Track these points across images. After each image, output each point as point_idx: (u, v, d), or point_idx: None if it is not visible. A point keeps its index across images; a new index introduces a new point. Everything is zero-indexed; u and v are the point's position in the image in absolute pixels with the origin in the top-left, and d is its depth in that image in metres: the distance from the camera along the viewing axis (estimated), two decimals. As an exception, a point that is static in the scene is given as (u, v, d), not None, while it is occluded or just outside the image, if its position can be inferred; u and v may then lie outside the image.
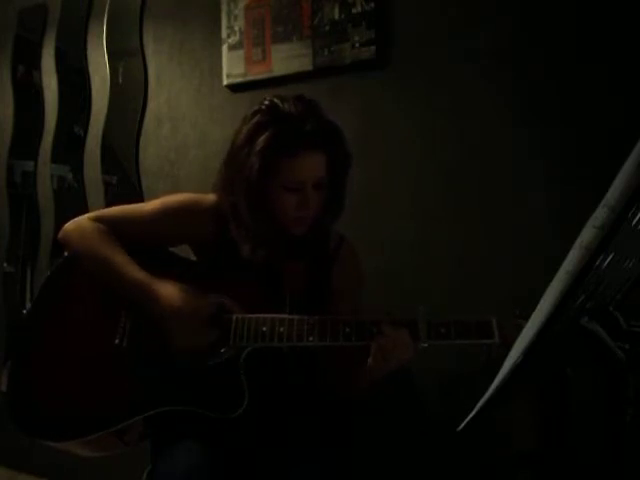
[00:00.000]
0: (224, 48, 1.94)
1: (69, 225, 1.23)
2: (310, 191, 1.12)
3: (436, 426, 1.55)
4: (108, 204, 2.18)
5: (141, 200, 2.07)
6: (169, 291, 1.12)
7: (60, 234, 1.24)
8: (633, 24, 1.39)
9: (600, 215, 0.59)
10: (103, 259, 1.16)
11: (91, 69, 2.28)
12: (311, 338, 1.08)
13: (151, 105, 2.15)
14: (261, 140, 1.07)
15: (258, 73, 1.88)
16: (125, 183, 2.20)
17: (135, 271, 1.15)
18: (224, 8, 1.94)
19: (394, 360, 1.03)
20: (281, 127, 1.07)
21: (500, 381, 0.72)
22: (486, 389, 0.75)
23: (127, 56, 2.20)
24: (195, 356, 1.11)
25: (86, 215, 1.24)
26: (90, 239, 1.19)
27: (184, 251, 1.29)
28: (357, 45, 1.71)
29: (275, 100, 1.11)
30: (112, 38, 2.23)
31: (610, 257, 0.63)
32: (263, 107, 1.11)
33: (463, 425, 0.77)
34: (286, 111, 1.09)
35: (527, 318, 0.72)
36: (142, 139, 2.16)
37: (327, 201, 1.17)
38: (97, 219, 1.22)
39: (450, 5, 1.61)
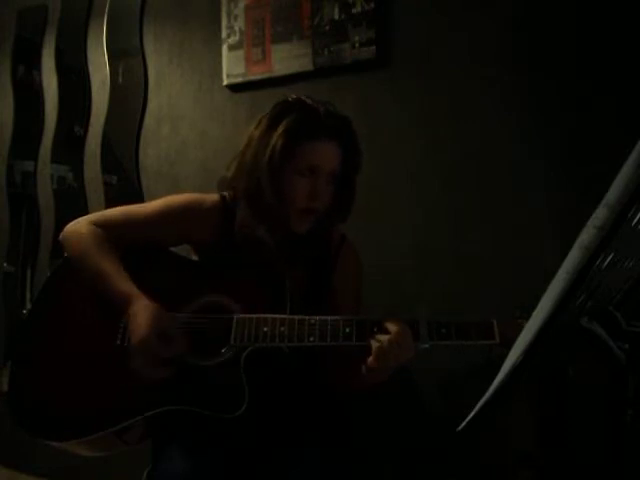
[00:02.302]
0: (224, 48, 1.94)
1: (69, 227, 1.23)
2: (322, 182, 1.16)
3: (436, 426, 1.55)
4: (108, 204, 2.18)
5: (141, 200, 2.07)
6: (140, 317, 1.10)
7: (60, 235, 1.24)
8: (633, 25, 1.39)
9: (600, 215, 0.59)
10: (93, 266, 1.17)
11: (91, 69, 2.28)
12: (312, 338, 1.08)
13: (151, 105, 2.15)
14: (286, 121, 1.14)
15: (258, 73, 1.88)
16: (125, 183, 2.20)
17: (121, 283, 1.14)
18: (224, 8, 1.94)
19: (394, 360, 1.03)
20: (305, 113, 1.15)
21: (500, 381, 0.72)
22: (486, 389, 0.75)
23: (127, 56, 2.20)
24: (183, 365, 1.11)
25: (87, 217, 1.24)
26: (85, 244, 1.19)
27: (184, 251, 1.29)
28: (357, 45, 1.71)
29: (301, 96, 1.19)
30: (112, 38, 2.23)
31: (610, 257, 0.63)
32: (289, 99, 1.19)
33: (463, 425, 0.77)
34: (310, 104, 1.16)
35: (527, 318, 0.72)
36: (142, 139, 2.16)
37: (336, 199, 1.19)
38: (97, 222, 1.22)
39: (450, 5, 1.62)
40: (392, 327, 1.03)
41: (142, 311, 1.10)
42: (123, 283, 1.14)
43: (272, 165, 1.14)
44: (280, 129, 1.13)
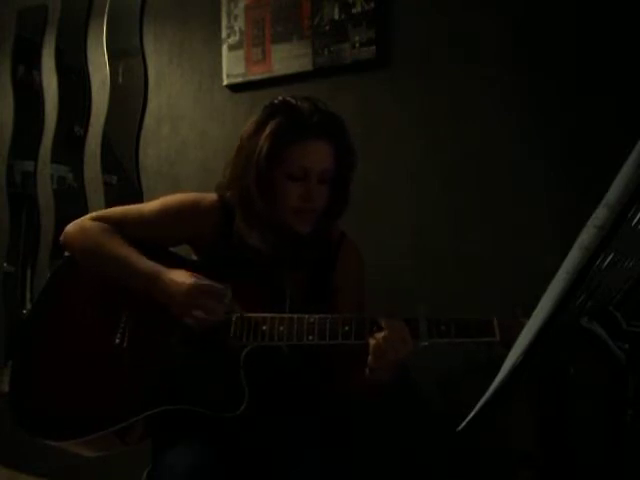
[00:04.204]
0: (224, 48, 1.94)
1: (70, 227, 1.24)
2: (315, 184, 1.14)
3: (436, 426, 1.55)
4: (108, 204, 2.18)
5: (141, 200, 2.07)
6: (178, 276, 1.12)
7: (62, 236, 1.24)
8: (633, 25, 1.39)
9: (600, 215, 0.59)
10: (109, 254, 1.17)
11: (91, 69, 2.28)
12: (311, 337, 1.08)
13: (151, 105, 2.15)
14: (270, 125, 1.12)
15: (258, 73, 1.88)
16: (125, 183, 2.20)
17: (143, 262, 1.15)
18: (224, 8, 1.94)
19: (393, 356, 1.02)
20: (291, 115, 1.13)
21: (500, 381, 0.72)
22: (486, 389, 0.75)
23: (127, 56, 2.20)
24: (209, 335, 1.11)
25: (87, 216, 1.24)
26: (94, 237, 1.19)
27: (185, 251, 1.29)
28: (357, 45, 1.71)
29: (287, 97, 1.17)
30: (112, 38, 2.23)
31: (610, 257, 0.63)
32: (275, 102, 1.17)
33: (463, 425, 0.77)
34: (297, 104, 1.14)
35: (528, 317, 0.72)
36: (142, 139, 2.16)
37: (332, 199, 1.18)
38: (98, 219, 1.22)
39: (450, 5, 1.61)
40: (388, 324, 1.03)
41: (177, 273, 1.12)
42: (146, 262, 1.15)
43: (259, 170, 1.12)
44: (265, 133, 1.12)
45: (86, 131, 2.28)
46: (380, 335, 1.03)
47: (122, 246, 1.18)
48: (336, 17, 1.75)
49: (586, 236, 0.61)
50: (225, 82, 1.95)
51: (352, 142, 1.18)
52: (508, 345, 0.78)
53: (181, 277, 1.11)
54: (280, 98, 1.17)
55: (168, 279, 1.12)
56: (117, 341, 1.17)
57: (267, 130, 1.12)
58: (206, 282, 1.11)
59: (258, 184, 1.13)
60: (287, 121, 1.12)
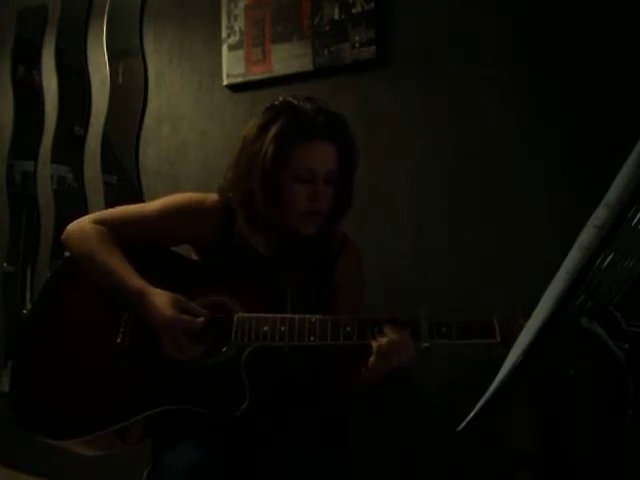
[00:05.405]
0: (224, 48, 1.94)
1: (71, 226, 1.24)
2: (321, 185, 1.14)
3: (436, 426, 1.55)
4: (108, 204, 2.18)
5: (141, 200, 2.07)
6: (160, 303, 1.11)
7: (63, 235, 1.24)
8: (633, 25, 1.39)
9: (600, 215, 0.59)
10: (100, 263, 1.17)
11: (91, 69, 2.28)
12: (312, 338, 1.08)
13: (151, 105, 2.15)
14: (275, 127, 1.12)
15: (258, 73, 1.88)
16: (125, 183, 2.20)
17: (130, 278, 1.15)
18: (224, 8, 1.94)
19: (395, 360, 1.03)
20: (294, 116, 1.13)
21: (500, 381, 0.72)
22: (486, 389, 0.75)
23: (127, 56, 2.20)
24: (184, 364, 1.11)
25: (88, 216, 1.25)
26: (90, 242, 1.19)
27: (185, 251, 1.29)
28: (357, 45, 1.71)
29: (288, 98, 1.16)
30: (112, 38, 2.23)
31: (610, 257, 0.63)
32: (276, 103, 1.17)
33: (463, 425, 0.77)
34: (299, 105, 1.14)
35: (528, 318, 0.72)
36: (142, 139, 2.16)
37: (336, 199, 1.19)
38: (99, 221, 1.23)
39: (450, 5, 1.61)
40: (393, 326, 1.04)
41: (159, 297, 1.12)
42: (133, 278, 1.15)
43: (264, 173, 1.12)
44: (269, 135, 1.12)
45: (86, 131, 2.28)
46: (384, 339, 1.03)
47: (113, 257, 1.17)
48: (336, 17, 1.75)
49: (586, 236, 0.61)
50: (225, 82, 1.95)
51: (355, 141, 1.18)
52: (508, 345, 0.78)
53: (163, 305, 1.10)
54: (281, 99, 1.17)
55: (150, 302, 1.12)
56: (118, 340, 1.17)
57: (271, 132, 1.12)
58: (184, 316, 1.10)
59: (263, 187, 1.13)
60: (291, 122, 1.12)
